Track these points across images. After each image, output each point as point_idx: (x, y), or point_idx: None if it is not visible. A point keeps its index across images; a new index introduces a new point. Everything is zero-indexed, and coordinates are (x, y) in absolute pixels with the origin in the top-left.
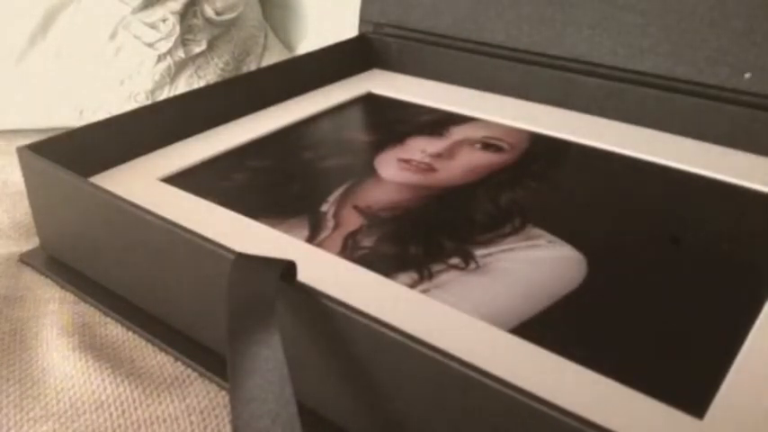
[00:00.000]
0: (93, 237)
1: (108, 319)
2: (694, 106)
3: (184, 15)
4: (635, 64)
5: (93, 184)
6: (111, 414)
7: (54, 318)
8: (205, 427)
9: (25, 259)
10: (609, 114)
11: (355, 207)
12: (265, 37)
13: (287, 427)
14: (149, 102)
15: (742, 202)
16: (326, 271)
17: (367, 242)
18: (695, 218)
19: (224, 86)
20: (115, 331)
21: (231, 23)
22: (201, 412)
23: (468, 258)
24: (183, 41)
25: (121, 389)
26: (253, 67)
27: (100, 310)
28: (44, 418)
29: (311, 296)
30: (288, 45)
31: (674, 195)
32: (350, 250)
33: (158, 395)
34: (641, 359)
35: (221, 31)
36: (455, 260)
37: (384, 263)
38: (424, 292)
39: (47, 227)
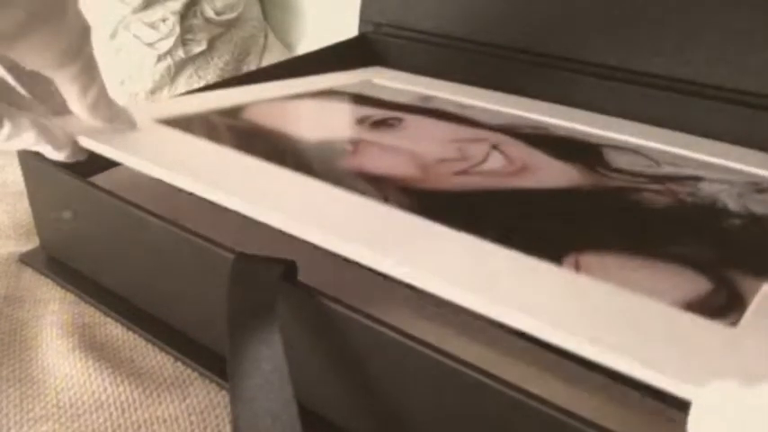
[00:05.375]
0: (93, 237)
1: (108, 319)
2: (694, 106)
3: (184, 15)
4: (635, 64)
5: (93, 184)
6: (111, 414)
7: (54, 318)
8: (205, 428)
9: (25, 259)
10: (609, 114)
11: None
12: (265, 37)
13: (287, 427)
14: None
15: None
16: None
17: None
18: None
19: (224, 86)
20: (115, 331)
21: (231, 23)
22: (201, 412)
23: None
24: (183, 41)
25: (121, 389)
26: (253, 67)
27: (100, 310)
28: (44, 418)
29: (311, 296)
30: (288, 45)
31: None
32: None
33: (158, 395)
34: None
35: (221, 31)
36: None
37: None
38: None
39: (47, 227)
